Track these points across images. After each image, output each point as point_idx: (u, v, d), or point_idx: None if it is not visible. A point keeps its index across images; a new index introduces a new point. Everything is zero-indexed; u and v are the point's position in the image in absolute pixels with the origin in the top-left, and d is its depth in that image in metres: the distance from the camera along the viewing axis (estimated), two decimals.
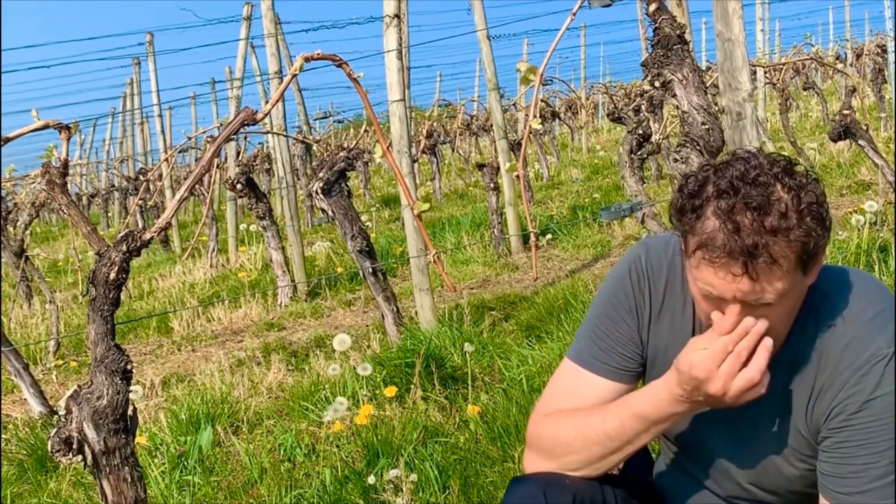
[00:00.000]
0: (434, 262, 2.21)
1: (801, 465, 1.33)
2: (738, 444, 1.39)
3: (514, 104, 11.76)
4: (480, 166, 6.68)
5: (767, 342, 1.21)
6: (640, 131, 5.58)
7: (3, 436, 3.48)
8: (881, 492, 1.22)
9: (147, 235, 1.59)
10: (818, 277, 1.32)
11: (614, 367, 1.43)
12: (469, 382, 3.20)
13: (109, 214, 16.74)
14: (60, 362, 4.91)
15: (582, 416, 1.38)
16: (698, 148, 2.39)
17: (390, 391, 3.01)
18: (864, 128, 4.23)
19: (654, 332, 1.43)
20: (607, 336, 1.43)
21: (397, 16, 4.02)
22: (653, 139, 4.83)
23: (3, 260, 5.99)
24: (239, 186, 5.75)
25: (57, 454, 1.56)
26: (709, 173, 1.23)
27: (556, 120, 14.47)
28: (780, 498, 1.41)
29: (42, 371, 4.80)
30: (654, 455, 1.75)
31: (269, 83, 6.68)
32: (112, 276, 1.58)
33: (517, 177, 2.55)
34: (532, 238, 2.74)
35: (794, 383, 1.32)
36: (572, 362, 1.46)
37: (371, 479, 2.37)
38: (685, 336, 1.41)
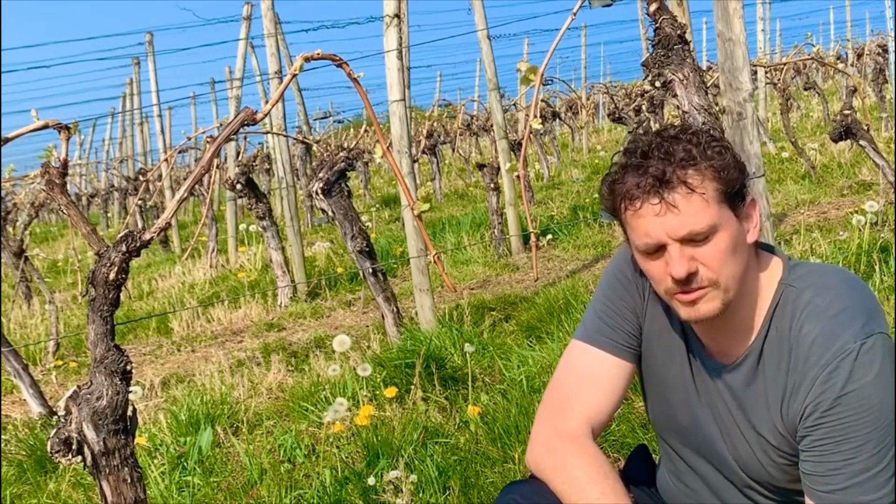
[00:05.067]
0: (434, 262, 2.21)
1: (781, 460, 1.34)
2: (728, 437, 1.40)
3: (514, 104, 11.77)
4: (481, 166, 6.68)
5: None
6: (641, 131, 5.55)
7: (2, 436, 3.47)
8: (862, 486, 1.22)
9: (147, 236, 1.58)
10: (788, 273, 1.34)
11: (618, 342, 1.47)
12: (469, 383, 3.19)
13: (109, 215, 16.74)
14: (60, 363, 4.90)
15: (574, 486, 1.36)
16: None
17: (390, 392, 3.00)
18: (865, 128, 4.23)
19: (650, 314, 1.47)
20: (614, 313, 1.47)
21: (397, 16, 4.02)
22: None
23: (2, 260, 5.98)
24: (239, 186, 5.75)
25: (56, 455, 1.55)
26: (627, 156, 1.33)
27: (557, 120, 14.47)
28: (773, 494, 1.41)
29: (41, 371, 4.80)
30: (655, 456, 1.75)
31: (268, 83, 6.68)
32: (111, 276, 1.57)
33: (517, 177, 2.55)
34: (532, 238, 2.74)
35: (767, 381, 1.33)
36: (579, 341, 1.50)
37: (371, 480, 2.37)
38: (674, 329, 1.44)
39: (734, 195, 1.27)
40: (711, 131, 1.32)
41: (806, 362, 1.26)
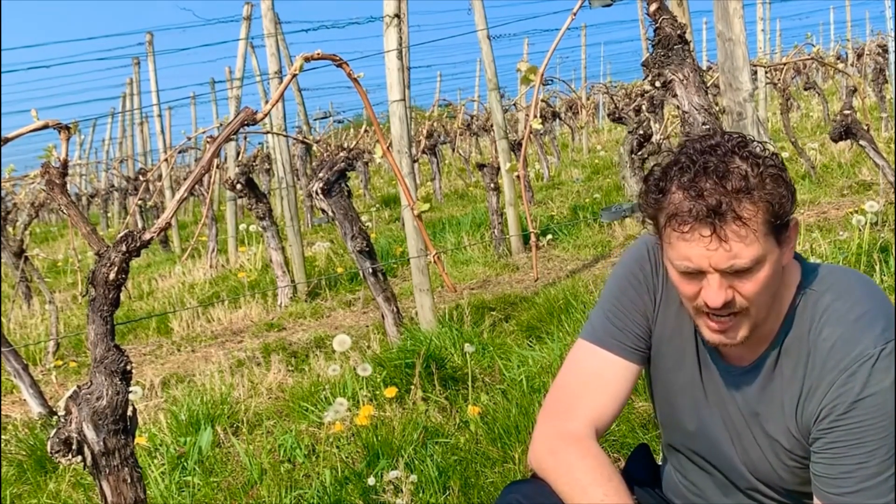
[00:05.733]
0: (434, 262, 2.21)
1: (792, 463, 1.34)
2: (737, 440, 1.40)
3: (514, 104, 11.77)
4: (481, 166, 6.68)
5: None
6: (641, 131, 5.57)
7: (2, 436, 3.47)
8: (873, 491, 1.22)
9: (147, 236, 1.58)
10: (806, 277, 1.34)
11: (626, 344, 1.45)
12: (469, 383, 3.19)
13: (109, 215, 16.74)
14: (60, 363, 4.90)
15: (577, 487, 1.36)
16: None
17: (390, 392, 3.00)
18: (865, 128, 4.23)
19: (661, 317, 1.45)
20: (623, 314, 1.46)
21: (397, 16, 4.02)
22: (653, 139, 4.83)
23: (2, 260, 5.98)
24: (239, 186, 5.75)
25: (56, 455, 1.55)
26: (670, 158, 1.28)
27: (557, 120, 14.47)
28: (781, 496, 1.41)
29: (41, 372, 4.80)
30: (656, 456, 1.75)
31: (268, 83, 6.68)
32: (111, 276, 1.57)
33: (517, 177, 2.55)
34: (532, 238, 2.74)
35: (783, 383, 1.33)
36: (585, 341, 1.48)
37: (371, 480, 2.37)
38: (685, 332, 1.43)
39: (782, 225, 1.25)
40: (768, 149, 1.27)
41: (824, 366, 1.26)
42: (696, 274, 1.24)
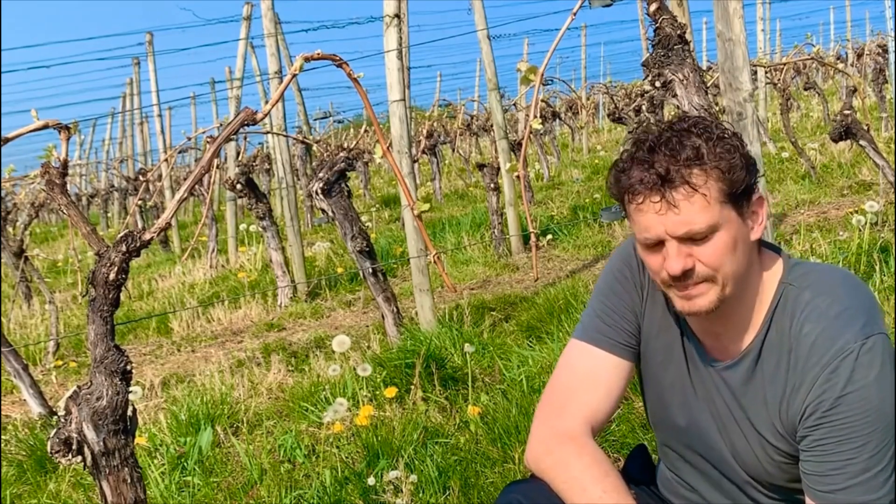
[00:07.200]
0: (434, 262, 2.21)
1: (779, 458, 1.35)
2: (724, 431, 1.40)
3: (514, 104, 11.78)
4: (481, 166, 6.68)
5: None
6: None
7: (2, 436, 3.47)
8: (863, 486, 1.22)
9: (147, 236, 1.58)
10: (788, 273, 1.34)
11: (617, 341, 1.46)
12: (469, 383, 3.19)
13: (109, 215, 16.74)
14: (60, 363, 4.90)
15: (575, 485, 1.37)
16: None
17: (390, 392, 3.01)
18: (865, 128, 4.23)
19: (648, 313, 1.47)
20: (612, 311, 1.47)
21: (397, 16, 4.02)
22: None
23: (2, 260, 5.98)
24: (239, 187, 5.75)
25: (56, 455, 1.55)
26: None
27: (557, 120, 14.47)
28: (771, 492, 1.41)
29: (41, 372, 4.80)
30: (654, 456, 1.75)
31: (268, 83, 6.68)
32: (111, 276, 1.57)
33: (517, 177, 2.55)
34: (532, 238, 2.74)
35: (766, 380, 1.33)
36: (577, 340, 1.50)
37: (371, 480, 2.37)
38: (672, 328, 1.44)
39: (739, 194, 1.26)
40: (724, 126, 1.30)
41: (806, 363, 1.26)
42: (657, 245, 1.27)
